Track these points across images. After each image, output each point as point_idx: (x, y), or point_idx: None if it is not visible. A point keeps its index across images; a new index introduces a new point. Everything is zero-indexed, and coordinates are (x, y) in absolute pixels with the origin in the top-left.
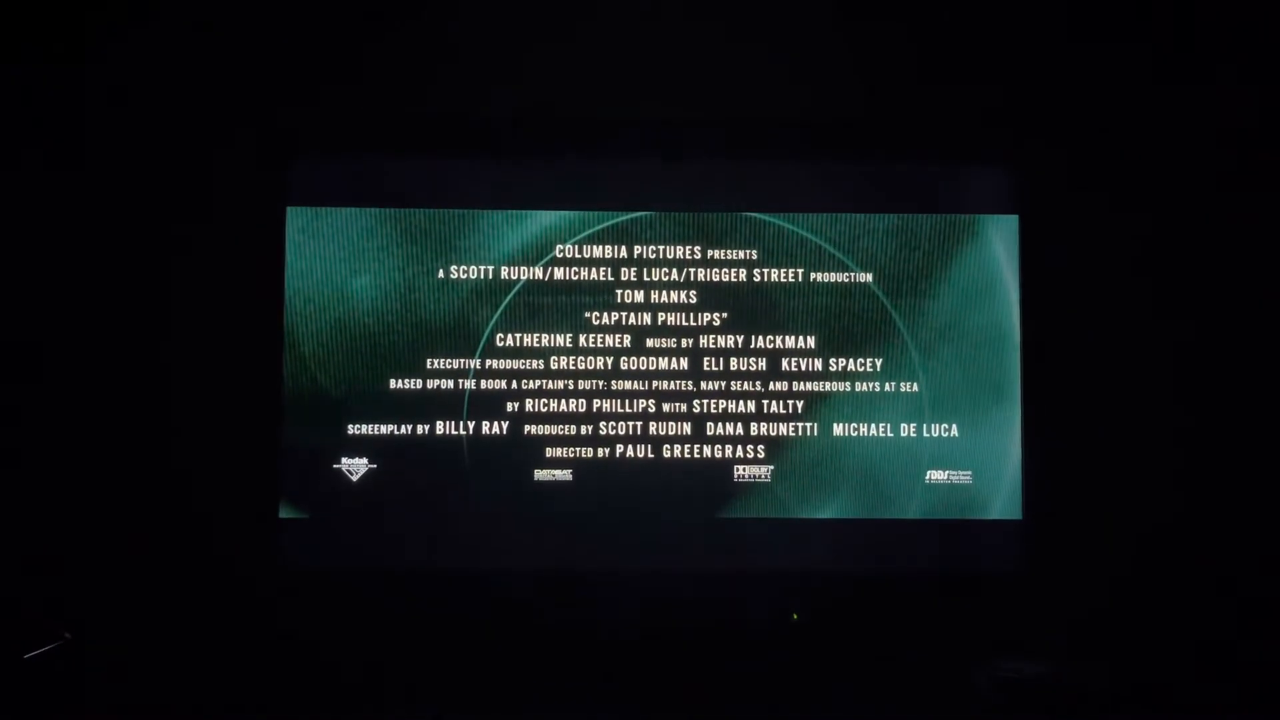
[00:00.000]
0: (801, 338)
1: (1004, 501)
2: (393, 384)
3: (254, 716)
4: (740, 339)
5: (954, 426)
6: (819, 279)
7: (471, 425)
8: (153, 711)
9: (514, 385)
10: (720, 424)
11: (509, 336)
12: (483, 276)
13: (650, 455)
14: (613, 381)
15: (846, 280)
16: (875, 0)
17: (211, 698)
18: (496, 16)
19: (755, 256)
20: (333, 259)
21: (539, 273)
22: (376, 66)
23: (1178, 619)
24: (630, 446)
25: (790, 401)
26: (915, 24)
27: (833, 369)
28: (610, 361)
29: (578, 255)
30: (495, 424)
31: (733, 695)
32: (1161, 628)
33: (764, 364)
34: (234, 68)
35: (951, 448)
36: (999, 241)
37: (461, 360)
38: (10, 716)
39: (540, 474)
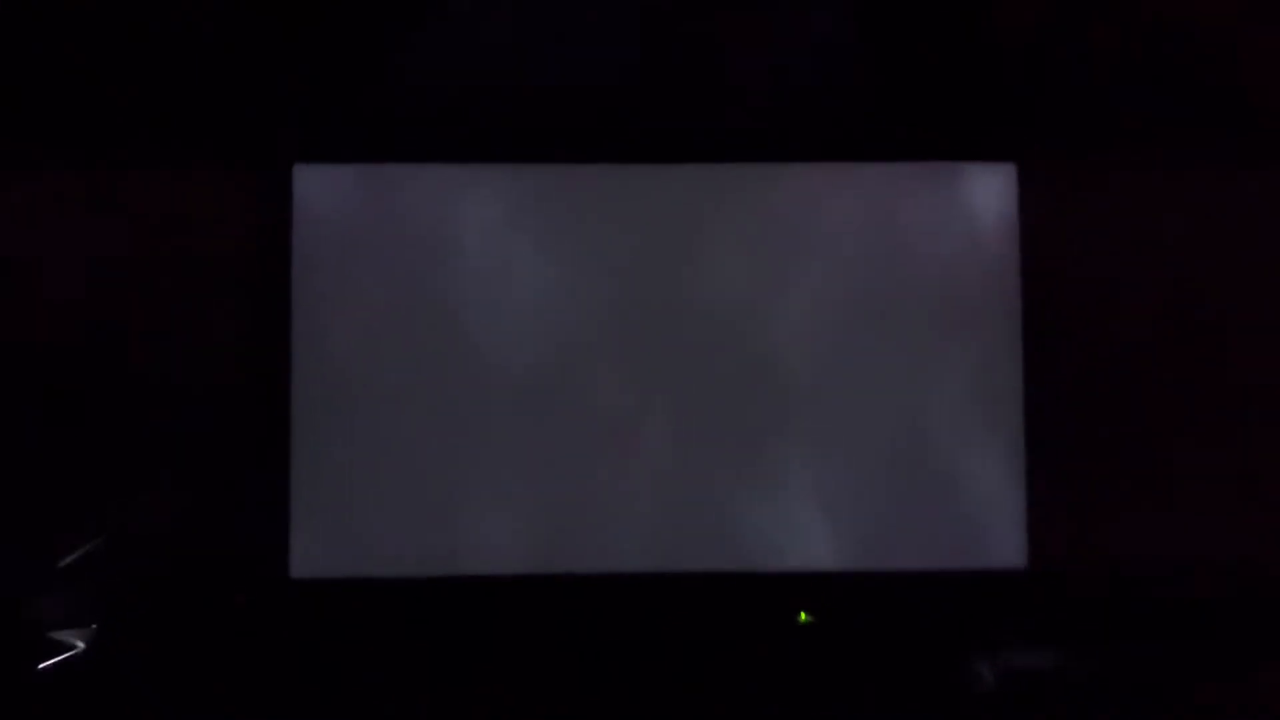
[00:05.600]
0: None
1: (1007, 497)
2: (392, 375)
3: None
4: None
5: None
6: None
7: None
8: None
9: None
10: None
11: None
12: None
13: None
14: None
15: None
16: None
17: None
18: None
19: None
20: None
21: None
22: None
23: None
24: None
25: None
26: None
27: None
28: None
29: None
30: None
31: (742, 698)
32: (1162, 623)
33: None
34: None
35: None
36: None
37: (466, 350)
38: None
39: (541, 477)
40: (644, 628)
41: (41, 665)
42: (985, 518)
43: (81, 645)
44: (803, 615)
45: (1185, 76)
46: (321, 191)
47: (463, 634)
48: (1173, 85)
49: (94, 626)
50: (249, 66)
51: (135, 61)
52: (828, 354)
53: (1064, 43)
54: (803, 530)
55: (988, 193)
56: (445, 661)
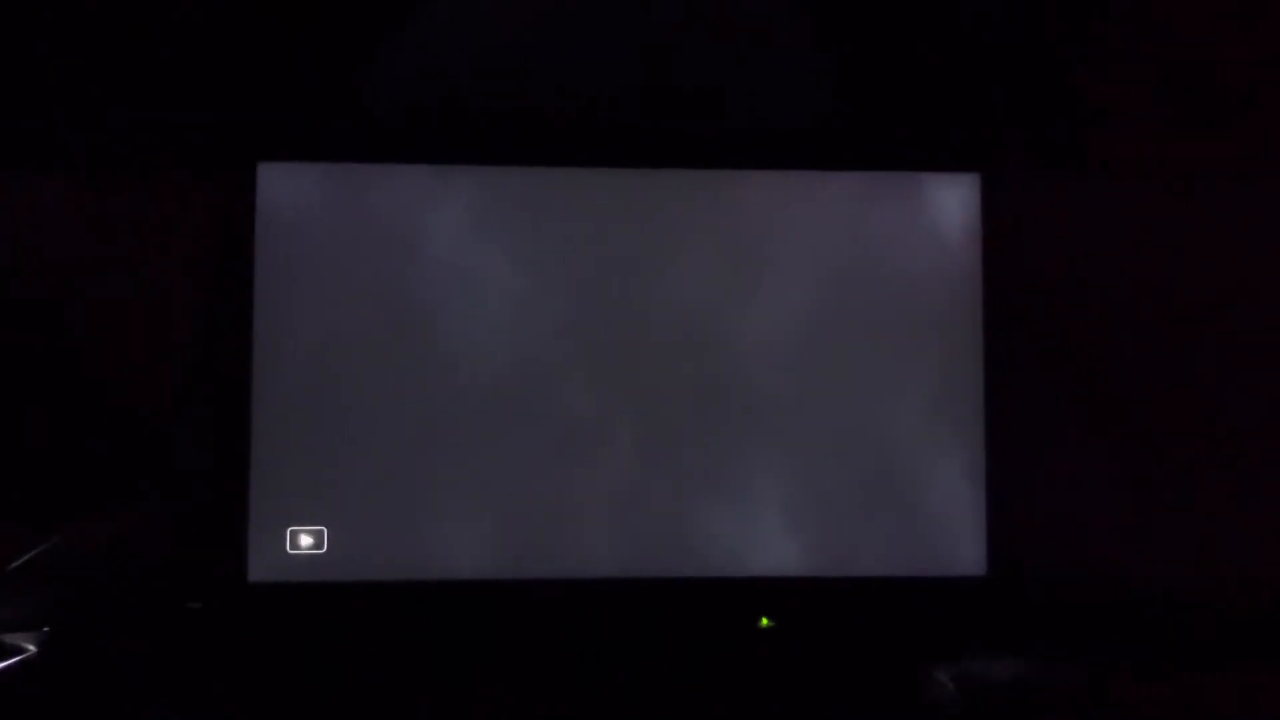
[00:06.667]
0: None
1: (968, 502)
2: (356, 378)
3: None
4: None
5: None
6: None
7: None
8: None
9: (483, 380)
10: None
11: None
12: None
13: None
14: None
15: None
16: None
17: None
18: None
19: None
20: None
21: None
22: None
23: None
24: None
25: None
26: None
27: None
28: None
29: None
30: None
31: (704, 702)
32: (1123, 630)
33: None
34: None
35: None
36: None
37: (435, 353)
38: None
39: (515, 480)
40: (607, 633)
41: None
42: (946, 525)
43: (32, 649)
44: (764, 620)
45: (1147, 86)
46: (286, 190)
47: (425, 639)
48: (1134, 94)
49: (45, 630)
50: (213, 62)
51: (96, 58)
52: (792, 361)
53: (1027, 54)
54: (766, 536)
55: (951, 202)
56: (405, 667)
